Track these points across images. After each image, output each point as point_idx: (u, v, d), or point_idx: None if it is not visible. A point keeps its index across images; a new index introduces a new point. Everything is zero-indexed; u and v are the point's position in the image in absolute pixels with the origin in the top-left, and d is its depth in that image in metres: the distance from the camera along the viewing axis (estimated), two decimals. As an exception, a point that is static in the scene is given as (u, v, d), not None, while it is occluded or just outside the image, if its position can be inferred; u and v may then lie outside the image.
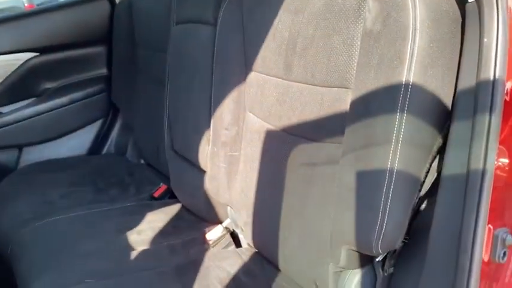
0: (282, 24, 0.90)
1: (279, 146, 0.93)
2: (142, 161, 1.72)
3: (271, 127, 0.96)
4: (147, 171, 1.60)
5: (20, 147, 1.73)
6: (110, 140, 1.90)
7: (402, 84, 0.67)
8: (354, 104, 0.75)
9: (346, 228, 0.75)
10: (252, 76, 1.00)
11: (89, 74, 1.83)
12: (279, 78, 0.92)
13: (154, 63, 1.52)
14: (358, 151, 0.75)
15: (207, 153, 1.15)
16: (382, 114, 0.70)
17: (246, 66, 1.02)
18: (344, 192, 0.77)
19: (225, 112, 1.07)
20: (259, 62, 0.98)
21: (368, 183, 0.73)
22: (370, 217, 0.72)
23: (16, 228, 1.21)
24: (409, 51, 0.66)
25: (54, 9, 1.72)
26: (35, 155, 1.74)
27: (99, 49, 1.82)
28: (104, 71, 1.84)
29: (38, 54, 1.69)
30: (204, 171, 1.18)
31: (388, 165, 0.69)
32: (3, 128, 1.65)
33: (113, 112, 1.88)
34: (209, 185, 1.15)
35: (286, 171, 0.91)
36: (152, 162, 1.61)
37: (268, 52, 0.94)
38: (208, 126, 1.13)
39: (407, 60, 0.66)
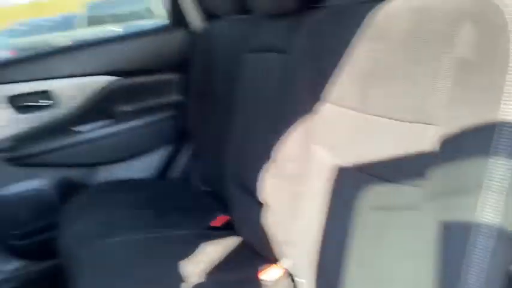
0: (359, 52, 0.83)
1: (350, 184, 0.84)
2: (206, 189, 1.69)
3: (341, 163, 0.88)
4: (210, 200, 1.57)
5: (93, 166, 1.79)
6: (177, 165, 1.91)
7: (500, 122, 0.56)
8: (439, 142, 0.65)
9: (424, 287, 0.64)
10: (324, 107, 0.93)
11: (163, 100, 1.86)
12: (354, 110, 0.84)
13: (225, 91, 1.51)
14: (443, 198, 0.64)
15: (269, 185, 1.08)
16: (474, 156, 0.60)
17: (318, 96, 0.95)
18: (424, 243, 0.66)
19: (291, 143, 1.01)
20: (332, 91, 0.91)
21: (453, 236, 0.62)
22: (453, 276, 0.60)
23: (76, 246, 1.22)
24: (510, 84, 0.55)
25: (135, 35, 1.79)
26: (106, 174, 1.78)
27: (176, 76, 1.85)
28: (178, 97, 1.87)
29: (117, 78, 1.76)
30: (265, 205, 1.11)
31: (479, 217, 0.58)
32: (80, 146, 1.72)
33: (183, 138, 1.90)
34: (269, 220, 1.08)
35: (357, 213, 0.81)
36: (216, 190, 1.58)
37: (343, 82, 0.87)
38: (273, 157, 1.07)
39: (507, 95, 0.56)
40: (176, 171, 1.90)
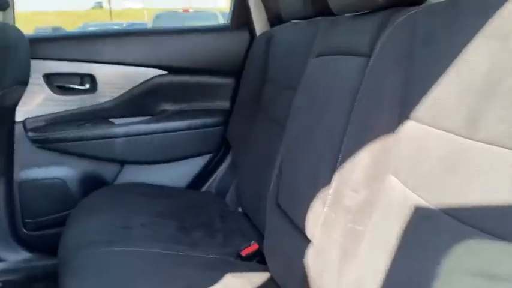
0: (476, 55, 0.61)
1: (433, 233, 0.61)
2: (240, 209, 1.48)
3: (424, 203, 0.65)
4: (242, 222, 1.36)
5: (122, 163, 1.64)
6: (213, 178, 1.72)
7: None
8: None
9: None
10: (408, 126, 0.71)
11: (210, 105, 1.70)
12: (454, 133, 0.62)
13: (279, 101, 1.32)
14: None
15: (319, 217, 0.86)
16: None
17: (402, 112, 0.73)
18: None
19: (356, 168, 0.78)
20: (424, 107, 0.68)
21: None
22: None
23: (79, 248, 1.04)
24: None
25: (192, 31, 1.65)
26: (133, 174, 1.63)
27: (228, 81, 1.69)
28: (226, 104, 1.70)
29: (165, 73, 1.61)
30: (309, 240, 0.89)
31: None
32: (113, 140, 1.57)
33: (225, 149, 1.71)
34: (313, 260, 0.85)
35: (443, 276, 0.57)
36: (250, 213, 1.37)
37: (444, 95, 0.65)
38: (329, 182, 0.85)
39: None
40: (212, 184, 1.71)
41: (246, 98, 1.57)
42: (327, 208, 0.84)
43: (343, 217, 0.79)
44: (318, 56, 1.06)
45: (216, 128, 1.68)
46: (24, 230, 1.55)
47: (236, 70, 1.65)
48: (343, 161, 0.82)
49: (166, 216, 1.30)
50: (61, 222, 1.50)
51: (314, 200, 0.89)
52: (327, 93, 0.96)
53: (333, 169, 0.85)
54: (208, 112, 1.69)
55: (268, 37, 1.51)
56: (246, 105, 1.55)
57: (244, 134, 1.51)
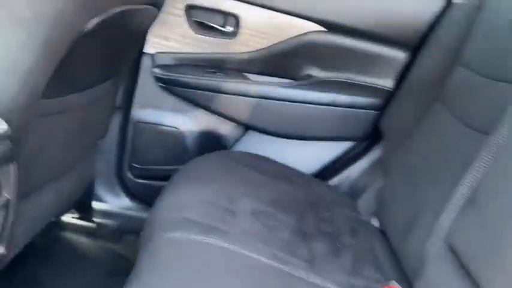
0: None
1: None
2: (376, 224, 1.12)
3: None
4: (378, 245, 1.00)
5: (246, 128, 1.38)
6: (347, 173, 1.37)
7: None
8: None
9: None
10: None
11: (368, 80, 1.33)
12: None
13: (477, 94, 0.91)
14: None
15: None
16: None
17: None
18: None
19: None
20: None
21: None
22: None
23: (166, 225, 0.80)
24: None
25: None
26: (255, 144, 1.37)
27: (400, 54, 1.29)
28: (389, 83, 1.32)
29: (323, 29, 1.28)
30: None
31: None
32: (241, 98, 1.31)
33: (372, 140, 1.35)
34: None
35: None
36: (392, 236, 1.00)
37: None
38: None
39: None
40: (344, 180, 1.37)
41: (421, 81, 1.17)
42: None
43: None
44: None
45: (369, 111, 1.32)
46: (129, 175, 1.40)
47: (414, 42, 1.25)
48: None
49: (284, 207, 1.00)
50: (168, 177, 1.31)
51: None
52: None
53: None
54: (363, 89, 1.33)
55: (474, 4, 1.08)
56: (419, 90, 1.16)
57: (407, 127, 1.12)
